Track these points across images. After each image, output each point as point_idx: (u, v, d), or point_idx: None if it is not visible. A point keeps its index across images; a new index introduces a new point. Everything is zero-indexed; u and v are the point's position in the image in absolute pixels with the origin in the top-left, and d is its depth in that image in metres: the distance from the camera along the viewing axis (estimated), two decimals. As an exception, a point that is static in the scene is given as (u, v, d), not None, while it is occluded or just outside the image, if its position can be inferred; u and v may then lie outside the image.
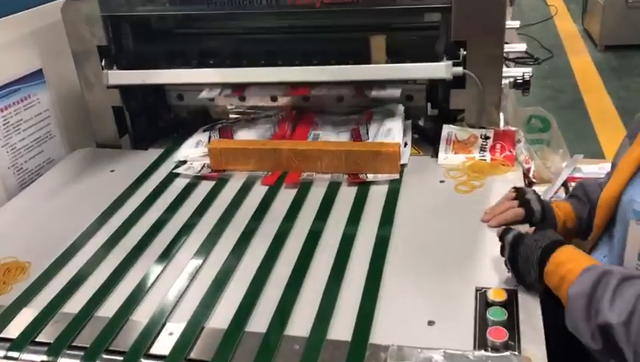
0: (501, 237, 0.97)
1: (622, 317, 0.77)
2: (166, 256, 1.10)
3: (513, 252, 0.93)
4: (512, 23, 1.70)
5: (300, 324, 0.91)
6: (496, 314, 0.89)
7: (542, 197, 1.12)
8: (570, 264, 0.88)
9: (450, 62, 1.28)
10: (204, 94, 1.53)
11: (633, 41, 4.31)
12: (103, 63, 1.45)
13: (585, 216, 1.10)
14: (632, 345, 0.75)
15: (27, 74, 1.45)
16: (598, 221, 1.01)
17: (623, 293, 0.80)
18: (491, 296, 0.93)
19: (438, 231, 1.12)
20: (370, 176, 1.30)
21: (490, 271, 0.99)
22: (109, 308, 0.97)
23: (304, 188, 1.29)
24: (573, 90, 3.89)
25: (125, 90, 1.50)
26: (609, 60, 4.28)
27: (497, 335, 0.85)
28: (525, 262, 0.92)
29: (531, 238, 0.93)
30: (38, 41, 1.47)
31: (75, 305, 0.99)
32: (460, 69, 1.28)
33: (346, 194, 1.26)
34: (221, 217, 1.21)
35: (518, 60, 2.12)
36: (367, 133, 1.41)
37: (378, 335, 0.88)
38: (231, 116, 1.62)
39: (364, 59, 1.36)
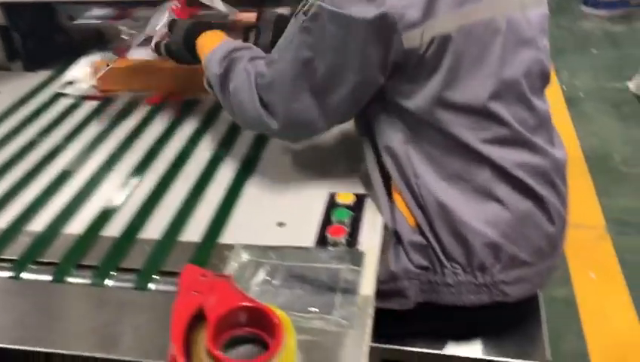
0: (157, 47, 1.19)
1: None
2: (35, 174, 1.11)
3: (168, 49, 1.18)
4: None
5: (156, 228, 0.95)
6: (339, 215, 0.94)
7: None
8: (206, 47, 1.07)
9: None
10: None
11: None
12: (-19, -22, 1.39)
13: None
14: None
15: None
16: None
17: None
18: (339, 198, 0.98)
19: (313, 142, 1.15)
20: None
21: (347, 179, 1.04)
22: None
23: (188, 107, 1.30)
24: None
25: (10, 8, 1.45)
26: None
27: (336, 232, 0.91)
28: (177, 50, 1.15)
29: (176, 30, 1.15)
30: None
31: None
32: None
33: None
34: (99, 136, 1.22)
35: None
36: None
37: (229, 236, 0.93)
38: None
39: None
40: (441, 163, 0.93)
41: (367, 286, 0.83)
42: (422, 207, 0.94)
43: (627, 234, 2.05)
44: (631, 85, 2.87)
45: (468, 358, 1.03)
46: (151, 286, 0.85)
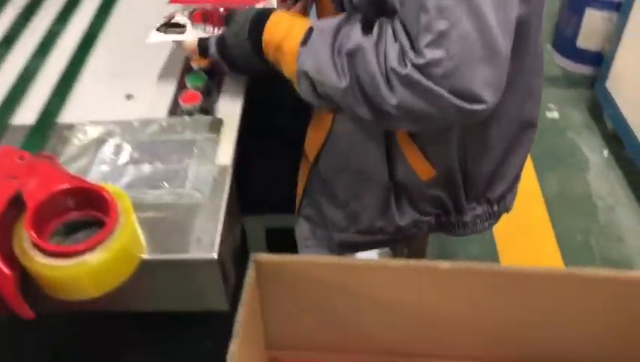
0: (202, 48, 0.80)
1: (371, 38, 0.67)
2: None
3: (222, 46, 0.78)
4: None
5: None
6: (194, 80, 0.84)
7: None
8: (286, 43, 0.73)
9: None
10: None
11: None
12: None
13: None
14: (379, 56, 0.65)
15: None
16: None
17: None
18: (194, 62, 0.87)
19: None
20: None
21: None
22: None
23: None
24: None
25: None
26: None
27: (190, 99, 0.82)
28: (237, 46, 0.76)
29: (235, 22, 0.77)
30: None
31: None
32: None
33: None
34: None
35: None
36: None
37: (70, 115, 0.82)
38: None
39: None
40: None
41: (225, 155, 0.76)
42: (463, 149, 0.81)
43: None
44: None
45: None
46: (-23, 178, 0.75)
